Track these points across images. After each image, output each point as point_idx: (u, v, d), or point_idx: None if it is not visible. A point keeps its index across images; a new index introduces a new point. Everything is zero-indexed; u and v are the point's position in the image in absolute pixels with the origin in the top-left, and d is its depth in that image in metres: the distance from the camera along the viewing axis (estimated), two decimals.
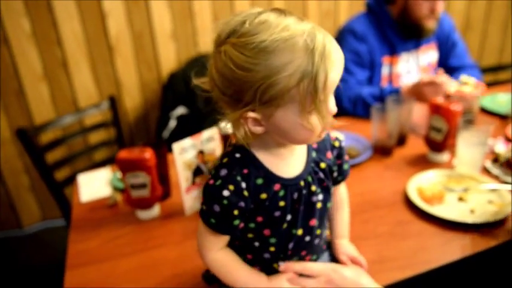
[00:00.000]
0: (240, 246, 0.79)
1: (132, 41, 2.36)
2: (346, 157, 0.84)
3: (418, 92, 1.59)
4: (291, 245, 0.76)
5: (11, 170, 2.39)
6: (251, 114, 0.64)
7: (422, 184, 1.24)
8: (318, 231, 0.80)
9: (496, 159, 1.35)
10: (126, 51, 2.37)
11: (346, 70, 1.72)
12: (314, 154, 0.77)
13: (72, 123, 2.04)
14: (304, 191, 0.73)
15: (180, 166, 1.12)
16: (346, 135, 1.56)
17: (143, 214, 1.19)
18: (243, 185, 0.68)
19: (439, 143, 1.37)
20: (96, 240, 1.12)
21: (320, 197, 0.76)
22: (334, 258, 0.88)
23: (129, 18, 2.31)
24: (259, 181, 0.70)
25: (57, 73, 2.28)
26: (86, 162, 2.13)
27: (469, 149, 1.30)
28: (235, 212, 0.69)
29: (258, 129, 0.66)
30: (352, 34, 1.77)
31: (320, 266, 0.81)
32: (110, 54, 2.34)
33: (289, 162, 0.73)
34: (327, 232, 0.85)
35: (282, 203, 0.72)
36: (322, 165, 0.77)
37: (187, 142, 1.11)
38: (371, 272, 0.84)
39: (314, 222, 0.77)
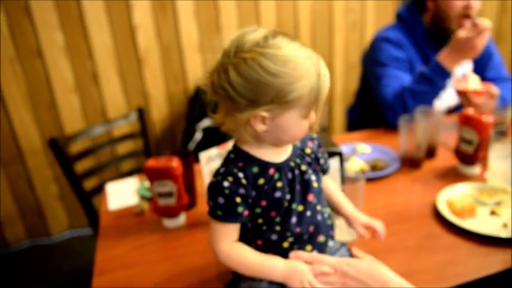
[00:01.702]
0: (251, 235, 0.83)
1: (160, 54, 2.42)
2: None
3: (459, 47, 1.54)
4: (293, 220, 0.81)
5: (41, 179, 2.46)
6: (263, 113, 0.73)
7: (452, 197, 1.22)
8: (319, 207, 0.85)
9: None
10: (154, 64, 2.43)
11: (389, 77, 1.70)
12: (298, 144, 0.86)
13: (101, 134, 2.09)
14: (296, 171, 0.82)
15: (206, 175, 1.14)
16: (373, 146, 1.55)
17: (169, 222, 1.21)
18: (240, 174, 0.77)
19: (470, 155, 1.34)
20: (123, 248, 1.14)
21: (313, 177, 0.84)
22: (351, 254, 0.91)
23: (158, 31, 2.37)
24: (255, 169, 0.79)
25: (88, 85, 2.36)
26: (114, 172, 2.17)
27: (502, 161, 1.27)
28: (238, 200, 0.77)
29: (261, 128, 0.75)
30: (387, 42, 1.75)
31: (332, 259, 0.83)
32: (139, 66, 2.40)
33: (277, 151, 0.82)
34: (328, 211, 0.89)
35: (279, 184, 0.80)
36: (307, 150, 0.87)
37: (213, 151, 1.13)
38: None
39: (312, 197, 0.83)
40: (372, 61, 1.80)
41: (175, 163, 1.13)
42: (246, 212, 0.79)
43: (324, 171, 0.91)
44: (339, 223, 1.02)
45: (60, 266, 2.38)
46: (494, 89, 1.60)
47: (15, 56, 2.19)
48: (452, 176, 1.37)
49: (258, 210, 0.80)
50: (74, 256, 2.44)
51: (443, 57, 1.58)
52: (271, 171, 0.80)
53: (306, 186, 0.83)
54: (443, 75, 1.59)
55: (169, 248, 1.12)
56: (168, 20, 2.37)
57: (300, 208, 0.82)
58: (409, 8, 1.80)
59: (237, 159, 0.80)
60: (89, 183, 1.91)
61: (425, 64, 1.76)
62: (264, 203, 0.79)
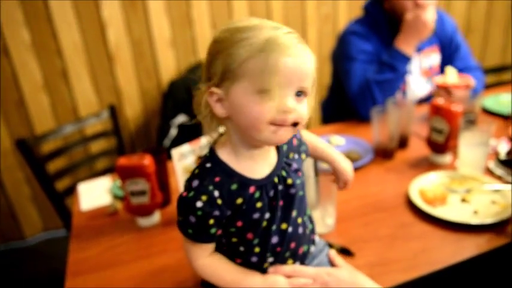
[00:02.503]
0: (228, 252, 0.79)
1: (132, 50, 2.38)
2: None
3: (411, 29, 1.59)
4: (274, 240, 0.76)
5: (12, 181, 2.40)
6: (214, 89, 0.68)
7: (424, 186, 1.23)
8: (299, 220, 0.80)
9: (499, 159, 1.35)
10: (126, 60, 2.39)
11: (356, 70, 1.71)
12: (285, 147, 0.79)
13: (73, 133, 2.05)
14: (280, 187, 0.75)
15: (179, 172, 1.12)
16: (347, 138, 1.56)
17: (143, 221, 1.19)
18: (216, 193, 0.70)
19: (441, 144, 1.37)
20: (96, 249, 1.12)
21: (298, 187, 0.77)
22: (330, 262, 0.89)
23: (128, 26, 2.33)
24: (234, 186, 0.71)
25: (58, 83, 2.30)
26: (87, 172, 2.13)
27: (471, 149, 1.30)
28: (211, 221, 0.70)
29: (220, 111, 0.69)
30: (354, 35, 1.76)
31: (312, 270, 0.81)
32: (110, 63, 2.36)
33: (261, 162, 0.74)
34: (307, 218, 0.85)
35: (259, 204, 0.73)
36: (291, 154, 0.80)
37: (186, 148, 1.12)
38: (373, 275, 0.83)
39: (294, 213, 0.77)
40: (341, 55, 1.81)
41: (147, 161, 1.11)
42: (219, 231, 0.74)
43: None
44: (315, 215, 1.02)
45: (35, 269, 2.33)
46: (471, 81, 1.63)
47: None
48: (424, 165, 1.39)
49: (232, 229, 0.74)
50: (49, 259, 2.39)
51: (399, 42, 1.64)
52: (252, 189, 0.72)
53: (290, 201, 0.76)
54: (402, 60, 1.63)
55: (144, 247, 1.11)
56: (138, 15, 2.33)
57: (283, 226, 0.76)
58: (373, 1, 1.82)
59: (214, 171, 0.71)
60: (62, 184, 1.87)
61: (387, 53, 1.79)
62: (239, 223, 0.73)
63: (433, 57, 1.88)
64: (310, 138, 0.93)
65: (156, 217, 1.20)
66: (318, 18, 2.76)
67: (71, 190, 1.74)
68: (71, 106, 2.37)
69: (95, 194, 1.38)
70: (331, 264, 0.88)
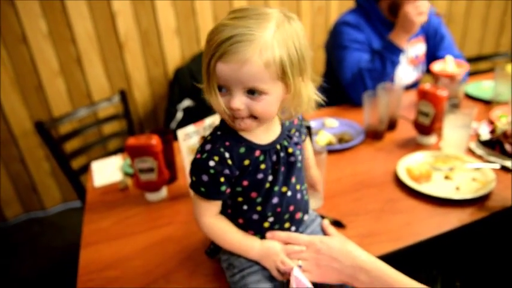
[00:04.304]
0: (231, 214, 0.80)
1: (140, 38, 2.33)
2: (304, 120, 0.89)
3: (403, 21, 1.55)
4: (275, 200, 0.77)
5: (33, 158, 2.38)
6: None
7: (410, 164, 1.21)
8: (298, 186, 0.81)
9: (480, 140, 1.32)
10: (135, 48, 2.34)
11: (350, 59, 1.67)
12: (287, 123, 0.80)
13: (87, 116, 2.02)
14: (282, 153, 0.76)
15: (184, 151, 1.10)
16: (340, 121, 1.54)
17: (151, 196, 1.17)
18: (227, 154, 0.71)
19: (427, 126, 1.34)
20: (108, 221, 1.10)
21: (298, 157, 0.79)
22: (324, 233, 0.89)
23: (136, 17, 2.28)
24: (242, 150, 0.73)
25: (72, 69, 2.26)
26: (101, 152, 2.11)
27: (455, 131, 1.27)
28: (222, 179, 0.72)
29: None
30: (347, 25, 1.72)
31: (306, 237, 0.81)
32: (120, 51, 2.31)
33: (265, 131, 0.76)
34: (305, 188, 0.86)
35: (262, 166, 0.74)
36: (293, 130, 0.81)
37: (190, 128, 1.09)
38: (363, 245, 0.82)
39: (293, 179, 0.79)
40: (334, 45, 1.77)
41: (155, 140, 1.09)
42: (228, 190, 0.75)
43: (303, 139, 0.87)
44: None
45: (54, 237, 2.32)
46: (467, 65, 1.59)
47: (1, 42, 2.08)
48: (411, 145, 1.37)
49: (239, 188, 0.75)
50: (66, 229, 2.38)
51: (393, 35, 1.60)
52: (257, 153, 0.74)
53: (291, 168, 0.78)
54: (395, 52, 1.59)
55: (152, 220, 1.09)
56: (145, 6, 2.28)
57: (283, 189, 0.78)
58: None
59: (225, 137, 0.73)
60: (78, 162, 1.85)
61: (380, 44, 1.75)
62: (245, 182, 0.74)
63: (419, 47, 1.84)
64: (307, 147, 0.94)
65: (163, 192, 1.18)
66: (312, 11, 2.70)
67: (86, 168, 1.73)
68: (85, 91, 2.33)
69: (107, 171, 1.36)
70: (324, 233, 0.87)
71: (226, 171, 0.71)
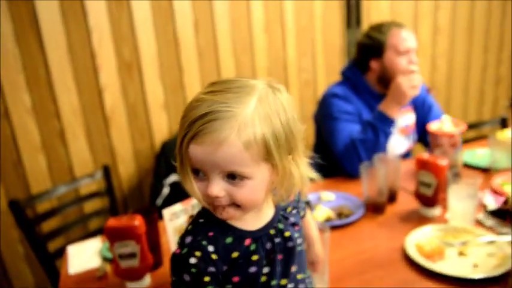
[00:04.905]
0: None
1: (127, 112, 2.28)
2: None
3: (395, 92, 1.51)
4: None
5: (6, 240, 2.18)
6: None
7: (420, 240, 1.11)
8: (300, 276, 0.70)
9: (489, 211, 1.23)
10: (121, 122, 2.28)
11: (341, 130, 1.62)
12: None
13: (67, 193, 1.89)
14: (277, 239, 0.65)
15: (171, 232, 0.98)
16: (337, 194, 1.44)
17: (133, 285, 1.02)
18: (210, 248, 0.60)
19: (430, 197, 1.25)
20: None
21: (297, 241, 0.68)
22: None
23: (124, 91, 2.25)
24: (228, 240, 0.62)
25: (55, 143, 2.17)
26: (80, 232, 1.95)
27: (461, 202, 1.19)
28: (206, 279, 0.59)
29: None
30: (336, 97, 1.70)
31: None
32: (105, 125, 2.25)
33: (256, 214, 0.65)
34: (309, 274, 0.74)
35: (255, 257, 0.63)
36: (289, 209, 0.71)
37: (177, 207, 0.98)
38: None
39: (293, 268, 0.68)
40: (324, 116, 1.73)
41: (137, 222, 0.97)
42: None
43: (302, 216, 0.77)
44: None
45: None
46: (464, 125, 1.55)
47: None
48: (415, 218, 1.27)
49: (229, 286, 0.62)
50: None
51: (384, 106, 1.56)
52: (247, 241, 0.63)
53: (289, 255, 0.66)
54: (386, 122, 1.55)
55: None
56: (133, 80, 2.25)
57: (283, 282, 0.65)
58: (352, 68, 1.77)
59: (207, 226, 0.62)
60: (55, 244, 1.68)
61: (371, 115, 1.72)
62: (236, 279, 0.62)
63: (409, 117, 1.82)
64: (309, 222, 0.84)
65: (147, 281, 1.04)
66: (299, 84, 2.73)
67: (63, 251, 1.56)
68: (67, 166, 2.22)
69: (84, 256, 1.21)
70: None
71: (211, 269, 0.59)
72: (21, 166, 2.12)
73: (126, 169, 2.35)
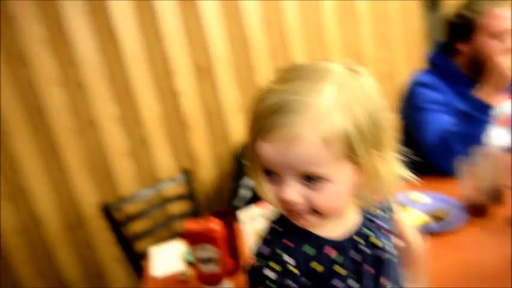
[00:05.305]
0: None
1: (204, 116, 2.32)
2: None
3: (493, 74, 1.34)
4: None
5: (101, 241, 2.32)
6: None
7: None
8: None
9: None
10: (199, 127, 2.32)
11: (430, 121, 1.46)
12: None
13: (152, 197, 1.96)
14: (364, 248, 0.57)
15: (249, 236, 0.93)
16: (430, 195, 1.29)
17: None
18: (289, 260, 0.53)
19: None
20: None
21: (390, 249, 0.59)
22: None
23: (200, 96, 2.29)
24: (309, 250, 0.55)
25: (139, 150, 2.26)
26: (166, 234, 2.01)
27: None
28: None
29: None
30: (423, 86, 1.54)
31: None
32: (184, 130, 2.30)
33: (339, 219, 0.57)
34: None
35: (339, 269, 0.55)
36: (375, 210, 0.62)
37: (255, 211, 0.93)
38: None
39: (385, 282, 0.59)
40: (410, 108, 1.57)
41: (215, 225, 0.94)
42: None
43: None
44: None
45: None
46: None
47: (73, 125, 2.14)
48: None
49: None
50: None
51: (479, 91, 1.38)
52: (330, 251, 0.56)
53: (381, 267, 0.57)
54: (484, 110, 1.36)
55: None
56: (208, 86, 2.29)
57: None
58: (439, 53, 1.60)
59: (285, 234, 0.56)
60: (143, 245, 1.74)
61: (465, 103, 1.53)
62: None
63: (508, 105, 1.59)
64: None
65: (227, 286, 1.00)
66: (377, 74, 2.56)
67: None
68: (150, 171, 2.31)
69: (167, 258, 1.22)
70: None
71: (291, 284, 0.53)
72: (110, 172, 2.24)
73: (207, 172, 2.40)
